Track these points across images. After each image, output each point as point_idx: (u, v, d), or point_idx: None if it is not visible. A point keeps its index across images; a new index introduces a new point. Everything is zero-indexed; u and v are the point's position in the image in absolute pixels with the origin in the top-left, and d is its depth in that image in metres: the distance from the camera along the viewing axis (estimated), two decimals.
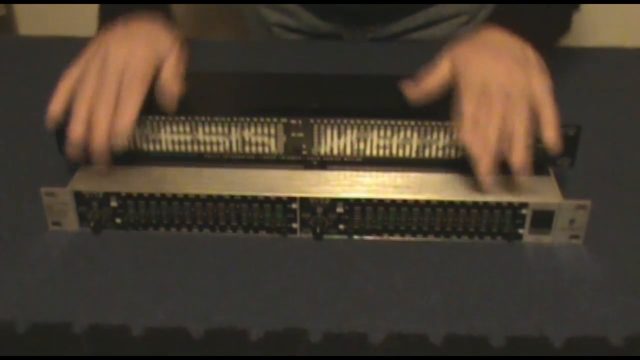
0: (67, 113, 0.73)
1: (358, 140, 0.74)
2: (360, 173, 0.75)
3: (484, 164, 0.69)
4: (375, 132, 0.74)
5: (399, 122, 0.73)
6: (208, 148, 0.76)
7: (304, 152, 0.75)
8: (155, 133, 0.75)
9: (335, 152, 0.75)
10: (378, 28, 1.14)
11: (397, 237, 0.73)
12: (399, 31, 1.14)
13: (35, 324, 0.63)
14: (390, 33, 1.14)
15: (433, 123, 0.73)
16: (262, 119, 0.74)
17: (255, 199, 0.72)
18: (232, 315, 0.65)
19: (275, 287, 0.68)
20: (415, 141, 0.74)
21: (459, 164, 0.75)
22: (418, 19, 1.12)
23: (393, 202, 0.72)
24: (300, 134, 0.74)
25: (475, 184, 0.72)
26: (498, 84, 0.71)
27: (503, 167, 0.74)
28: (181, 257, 0.71)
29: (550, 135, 0.70)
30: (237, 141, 0.75)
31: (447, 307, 0.66)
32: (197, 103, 0.78)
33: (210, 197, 0.72)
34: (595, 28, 1.62)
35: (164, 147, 0.76)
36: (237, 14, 1.27)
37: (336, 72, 1.00)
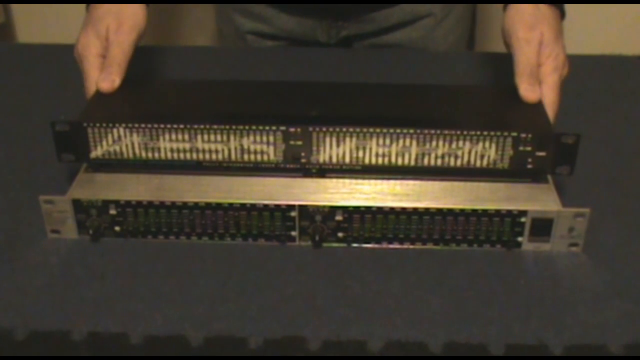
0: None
1: (357, 148, 0.74)
2: (359, 181, 0.75)
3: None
4: (374, 140, 0.74)
5: (398, 130, 0.73)
6: (207, 156, 0.76)
7: (303, 160, 0.75)
8: (154, 141, 0.75)
9: (334, 160, 0.75)
10: (352, 24, 1.14)
11: (396, 245, 0.73)
12: (374, 30, 1.14)
13: (34, 331, 0.63)
14: (364, 32, 1.14)
15: (432, 131, 0.73)
16: (261, 127, 0.74)
17: (254, 206, 0.72)
18: (231, 322, 0.65)
19: (274, 294, 0.68)
20: (414, 149, 0.74)
21: (458, 172, 0.75)
22: (391, 16, 1.12)
23: (392, 210, 0.72)
24: (299, 142, 0.74)
25: (474, 192, 0.72)
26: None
27: (502, 174, 0.74)
28: (180, 265, 0.71)
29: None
30: (236, 149, 0.75)
31: (447, 314, 0.66)
32: (196, 111, 0.78)
33: (209, 205, 0.72)
34: (595, 35, 1.63)
35: (163, 155, 0.76)
36: (212, 25, 1.28)
37: (322, 79, 1.00)
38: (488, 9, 1.40)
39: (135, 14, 0.86)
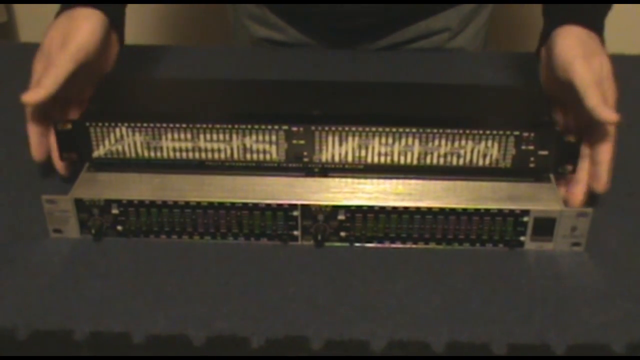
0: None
1: (359, 148, 0.74)
2: (362, 180, 0.75)
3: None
4: (376, 140, 0.74)
5: (401, 130, 0.73)
6: (209, 155, 0.76)
7: (305, 160, 0.75)
8: (156, 140, 0.75)
9: (336, 159, 0.75)
10: (365, 44, 1.14)
11: (398, 245, 0.73)
12: (387, 45, 1.14)
13: (36, 331, 0.63)
14: (377, 47, 1.14)
15: (434, 130, 0.73)
16: (263, 127, 0.74)
17: (256, 206, 0.72)
18: (233, 322, 0.65)
19: (276, 294, 0.68)
20: (416, 148, 0.74)
21: (460, 171, 0.75)
22: (406, 32, 1.12)
23: (394, 209, 0.72)
24: (302, 141, 0.74)
25: (477, 192, 0.72)
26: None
27: (504, 173, 0.74)
28: (182, 265, 0.71)
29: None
30: (238, 148, 0.75)
31: (449, 314, 0.66)
32: (198, 110, 0.78)
33: (211, 205, 0.72)
34: None
35: (165, 155, 0.76)
36: (226, 29, 1.27)
37: (326, 79, 1.00)
38: (498, 8, 1.40)
39: (84, 37, 0.78)
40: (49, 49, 0.78)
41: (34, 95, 0.75)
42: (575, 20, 0.78)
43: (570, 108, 0.78)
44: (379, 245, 0.73)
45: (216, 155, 0.76)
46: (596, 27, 0.79)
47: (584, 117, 0.73)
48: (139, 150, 0.76)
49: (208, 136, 0.75)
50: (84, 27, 0.78)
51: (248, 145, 0.75)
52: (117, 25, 0.84)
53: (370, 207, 0.72)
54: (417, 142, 0.74)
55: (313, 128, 0.74)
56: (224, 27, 1.28)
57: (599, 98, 0.72)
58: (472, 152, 0.74)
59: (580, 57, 0.74)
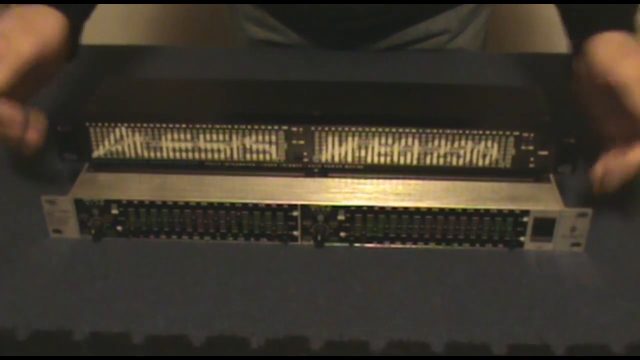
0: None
1: (359, 148, 0.74)
2: (362, 180, 0.75)
3: None
4: (376, 140, 0.74)
5: (400, 130, 0.73)
6: (209, 155, 0.76)
7: (305, 160, 0.75)
8: (156, 140, 0.75)
9: (336, 159, 0.75)
10: (364, 46, 1.14)
11: (398, 245, 0.73)
12: (386, 48, 1.14)
13: (35, 331, 0.63)
14: (376, 49, 1.14)
15: (434, 130, 0.73)
16: (263, 127, 0.74)
17: (256, 206, 0.72)
18: (233, 322, 0.65)
19: (276, 294, 0.68)
20: (416, 148, 0.74)
21: (460, 172, 0.75)
22: (405, 35, 1.12)
23: (394, 209, 0.72)
24: (302, 142, 0.74)
25: (477, 192, 0.72)
26: None
27: (504, 174, 0.74)
28: (182, 265, 0.71)
29: None
30: (238, 148, 0.75)
31: (449, 314, 0.66)
32: (198, 111, 0.78)
33: (211, 205, 0.72)
34: None
35: (165, 155, 0.76)
36: (225, 31, 1.27)
37: (325, 79, 1.00)
38: (498, 8, 1.40)
39: (46, 25, 0.73)
40: (6, 33, 0.70)
41: None
42: (606, 26, 0.74)
43: (611, 118, 0.73)
44: (379, 245, 0.73)
45: (216, 156, 0.76)
46: (627, 27, 0.75)
47: (627, 122, 0.69)
48: (139, 151, 0.76)
49: (208, 136, 0.75)
50: (50, 22, 0.73)
51: (248, 146, 0.75)
52: (75, 36, 0.78)
53: (370, 208, 0.72)
54: (417, 142, 0.74)
55: (313, 128, 0.74)
56: (223, 29, 1.28)
57: None
58: (471, 152, 0.74)
59: (618, 60, 0.70)
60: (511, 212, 0.71)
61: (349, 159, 0.75)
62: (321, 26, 1.11)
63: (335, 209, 0.72)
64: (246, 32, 1.17)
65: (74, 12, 0.76)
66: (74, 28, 0.76)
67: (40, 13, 0.73)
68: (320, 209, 0.72)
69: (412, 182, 0.75)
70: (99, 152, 0.76)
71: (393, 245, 0.73)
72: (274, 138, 0.74)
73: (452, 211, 0.71)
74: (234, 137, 0.74)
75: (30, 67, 0.70)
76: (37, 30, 0.71)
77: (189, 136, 0.75)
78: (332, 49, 1.13)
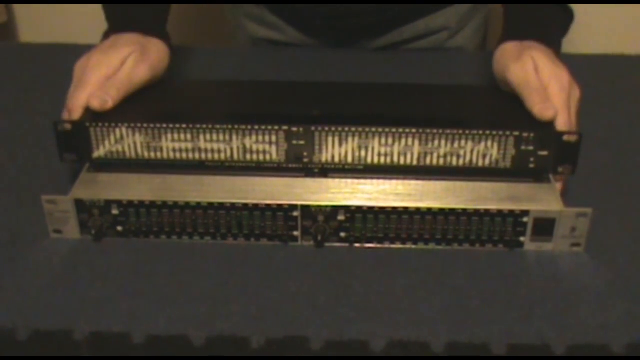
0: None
1: (359, 148, 0.74)
2: (362, 181, 0.75)
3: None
4: (376, 140, 0.74)
5: (401, 130, 0.73)
6: (209, 156, 0.76)
7: (305, 160, 0.75)
8: (156, 141, 0.75)
9: (336, 159, 0.75)
10: (364, 43, 1.14)
11: (398, 245, 0.73)
12: (385, 44, 1.14)
13: (36, 331, 0.63)
14: (375, 47, 1.14)
15: (434, 131, 0.73)
16: (263, 127, 0.74)
17: (256, 206, 0.72)
18: (233, 322, 0.65)
19: (276, 294, 0.68)
20: (416, 149, 0.74)
21: (460, 172, 0.75)
22: (404, 32, 1.12)
23: (394, 209, 0.72)
24: (302, 142, 0.74)
25: (477, 192, 0.72)
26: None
27: (504, 174, 0.74)
28: (182, 265, 0.71)
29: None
30: (238, 149, 0.75)
31: (449, 314, 0.66)
32: (198, 111, 0.78)
33: (211, 205, 0.72)
34: (596, 35, 1.63)
35: (165, 155, 0.76)
36: (225, 30, 1.27)
37: (326, 79, 1.00)
38: (498, 7, 1.40)
39: (160, 51, 0.86)
40: (123, 61, 0.81)
41: (101, 103, 0.76)
42: (516, 36, 0.85)
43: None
44: (379, 245, 0.73)
45: (216, 156, 0.76)
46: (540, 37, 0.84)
47: None
48: (139, 151, 0.76)
49: (208, 137, 0.75)
50: (161, 55, 0.86)
51: (248, 146, 0.75)
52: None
53: (370, 208, 0.72)
54: (417, 142, 0.74)
55: (313, 128, 0.74)
56: (223, 28, 1.28)
57: (537, 98, 0.76)
58: (472, 152, 0.74)
59: (510, 69, 0.79)
60: (511, 213, 0.71)
61: (349, 159, 0.75)
62: (321, 24, 1.11)
63: (336, 209, 0.72)
64: (246, 30, 1.17)
65: (169, 38, 0.90)
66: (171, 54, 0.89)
67: (155, 44, 0.86)
68: (320, 209, 0.72)
69: (412, 182, 0.75)
70: (99, 152, 0.76)
71: (393, 246, 0.73)
72: (274, 138, 0.74)
73: (452, 211, 0.71)
74: (234, 137, 0.74)
75: (138, 89, 0.81)
76: (152, 61, 0.83)
77: (189, 136, 0.75)
78: (332, 46, 1.13)
